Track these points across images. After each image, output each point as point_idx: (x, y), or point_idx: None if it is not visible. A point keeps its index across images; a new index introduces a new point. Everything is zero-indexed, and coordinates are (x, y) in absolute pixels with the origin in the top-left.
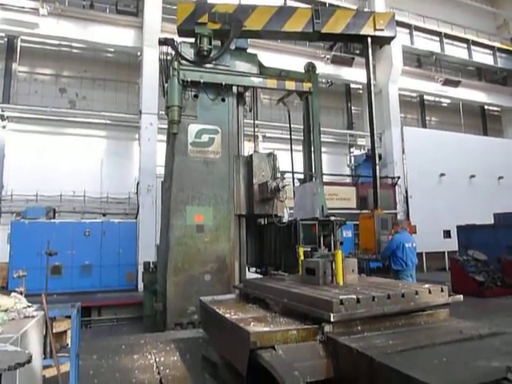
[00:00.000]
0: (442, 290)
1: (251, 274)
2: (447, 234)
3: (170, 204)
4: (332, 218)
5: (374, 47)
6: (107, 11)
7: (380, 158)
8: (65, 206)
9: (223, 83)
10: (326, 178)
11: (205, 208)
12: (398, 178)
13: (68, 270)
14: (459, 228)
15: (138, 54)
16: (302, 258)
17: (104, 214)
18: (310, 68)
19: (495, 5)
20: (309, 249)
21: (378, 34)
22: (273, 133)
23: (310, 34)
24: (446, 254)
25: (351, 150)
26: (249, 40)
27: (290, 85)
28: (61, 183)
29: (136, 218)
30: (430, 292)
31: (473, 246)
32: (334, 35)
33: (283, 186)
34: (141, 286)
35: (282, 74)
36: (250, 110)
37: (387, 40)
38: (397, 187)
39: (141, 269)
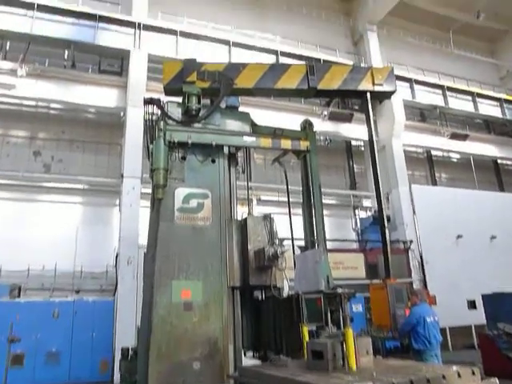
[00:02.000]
0: (473, 373)
1: (248, 361)
2: (472, 304)
3: (153, 278)
4: (339, 290)
5: (374, 102)
6: (89, 71)
7: (388, 220)
8: (32, 282)
9: (213, 143)
10: (329, 245)
11: (193, 282)
12: (411, 241)
13: (31, 358)
14: (485, 297)
15: (121, 114)
16: (307, 338)
17: (77, 291)
18: (307, 125)
19: (496, 56)
20: (314, 327)
21: (377, 88)
22: (268, 195)
23: (305, 91)
24: (473, 328)
25: (356, 212)
26: (240, 98)
27: (286, 144)
28: (29, 256)
29: (114, 295)
30: (459, 376)
31: (502, 317)
32: (331, 91)
33: (282, 252)
34: (117, 376)
35: (276, 133)
36: (243, 172)
37: (387, 95)
38: (410, 252)
39: (118, 356)
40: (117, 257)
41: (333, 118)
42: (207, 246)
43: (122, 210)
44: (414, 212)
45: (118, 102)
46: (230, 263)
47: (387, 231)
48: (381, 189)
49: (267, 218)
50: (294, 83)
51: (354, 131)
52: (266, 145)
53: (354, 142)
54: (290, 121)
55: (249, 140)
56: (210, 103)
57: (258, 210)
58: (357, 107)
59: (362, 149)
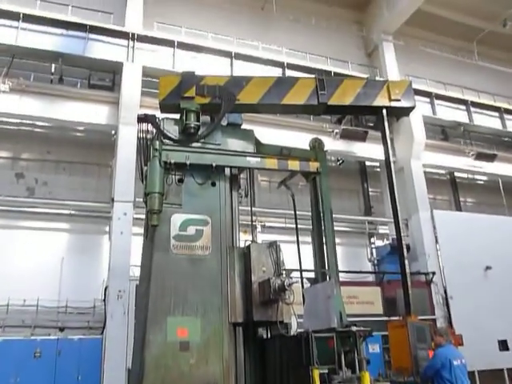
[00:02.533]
0: None
1: None
2: (503, 345)
3: (146, 314)
4: (354, 329)
5: (391, 119)
6: (78, 86)
7: (408, 249)
8: (12, 318)
9: (213, 164)
10: (342, 277)
11: (191, 319)
12: (433, 273)
13: None
14: None
15: (113, 132)
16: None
17: (61, 329)
18: (317, 144)
19: None
20: (326, 371)
21: (394, 104)
22: (274, 221)
23: (314, 107)
24: (506, 371)
25: (372, 240)
26: (244, 114)
27: (294, 165)
28: (8, 289)
29: (102, 333)
30: None
31: None
32: (343, 107)
33: (290, 284)
34: None
35: (283, 153)
36: (246, 195)
37: (405, 111)
38: (432, 286)
39: None
40: (106, 290)
41: (345, 136)
42: (206, 278)
43: (112, 238)
44: (436, 240)
45: (108, 119)
46: (231, 297)
47: (406, 262)
48: (399, 214)
49: (273, 245)
50: (303, 99)
51: (369, 151)
52: (271, 166)
53: (368, 163)
54: (298, 139)
55: (253, 160)
56: (209, 120)
57: (263, 238)
58: (371, 125)
59: (378, 170)
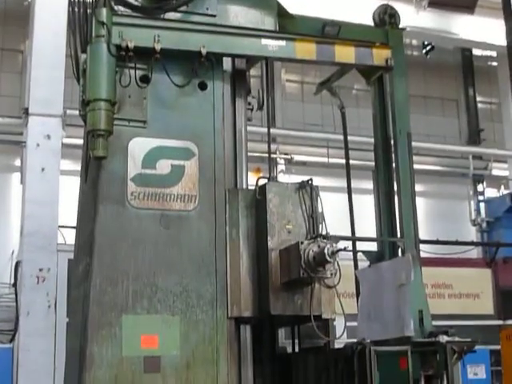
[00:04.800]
0: None
1: None
2: None
3: (87, 311)
4: (443, 339)
5: None
6: None
7: None
8: None
9: (203, 51)
10: (425, 250)
11: (163, 318)
12: None
13: None
14: None
15: None
16: None
17: None
18: (387, 17)
19: None
20: None
21: None
22: (308, 154)
23: None
24: None
25: (479, 187)
26: None
27: (346, 53)
28: None
29: (12, 339)
30: None
31: None
32: None
33: (334, 252)
34: None
35: (326, 32)
36: (261, 108)
37: None
38: None
39: None
40: (17, 268)
41: (438, 3)
42: (189, 248)
43: (26, 179)
44: None
45: None
46: (232, 278)
47: None
48: None
49: (305, 186)
50: None
51: (480, 31)
52: (305, 55)
53: (477, 52)
54: (356, 9)
55: (273, 45)
56: None
57: (289, 180)
58: None
59: (494, 64)
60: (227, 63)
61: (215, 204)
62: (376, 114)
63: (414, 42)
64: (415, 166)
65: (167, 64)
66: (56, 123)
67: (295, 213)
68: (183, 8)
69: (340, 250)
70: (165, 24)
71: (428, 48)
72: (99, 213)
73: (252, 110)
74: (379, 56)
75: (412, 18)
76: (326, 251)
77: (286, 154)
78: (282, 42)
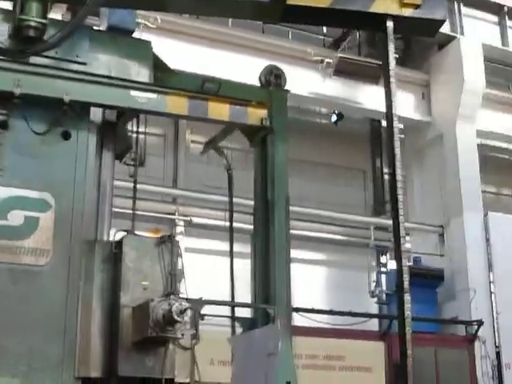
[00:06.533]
0: None
1: None
2: None
3: None
4: None
5: (432, 47)
6: None
7: (441, 277)
8: None
9: (65, 99)
10: (321, 320)
11: (2, 381)
12: (480, 323)
13: None
14: None
15: None
16: None
17: None
18: (273, 78)
19: None
20: None
21: (407, 13)
22: (208, 215)
23: (264, 8)
24: None
25: (382, 258)
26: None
27: (220, 110)
28: None
29: None
30: None
31: None
32: (316, 12)
33: (183, 311)
34: None
35: (206, 88)
36: (140, 164)
37: (428, 27)
38: (477, 344)
39: None
40: None
41: (344, 72)
42: (39, 306)
43: None
44: (489, 264)
45: None
46: (83, 336)
47: (438, 297)
48: (398, 191)
49: (166, 241)
50: None
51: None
52: (177, 109)
53: (385, 123)
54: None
55: (143, 97)
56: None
57: (189, 244)
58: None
59: (402, 136)
60: (96, 114)
61: (70, 259)
62: (257, 176)
63: (324, 110)
64: (319, 235)
65: (29, 110)
66: None
67: (153, 269)
68: (52, 54)
69: (188, 308)
70: (27, 68)
71: (336, 117)
72: None
73: (136, 166)
74: (254, 115)
75: (318, 84)
76: (173, 309)
77: (185, 216)
78: (153, 95)
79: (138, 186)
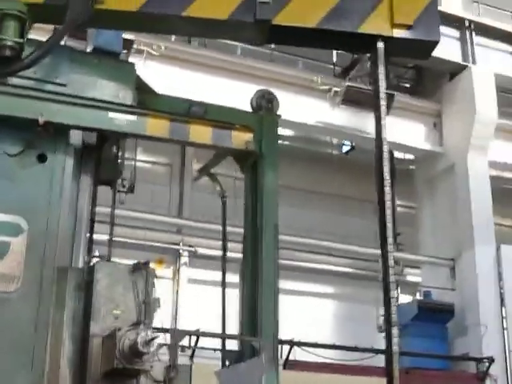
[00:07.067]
0: None
1: None
2: None
3: None
4: None
5: (438, 77)
6: None
7: (451, 311)
8: None
9: (40, 120)
10: (322, 355)
11: None
12: (491, 360)
13: None
14: None
15: None
16: None
17: None
18: (264, 102)
19: None
20: None
21: (398, 34)
22: (214, 246)
23: (248, 28)
24: None
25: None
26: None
27: (202, 134)
28: None
29: None
30: None
31: None
32: (302, 33)
33: (150, 340)
34: None
35: (192, 112)
36: (132, 191)
37: (421, 49)
38: (488, 382)
39: None
40: None
41: (353, 101)
42: (6, 335)
43: None
44: (501, 299)
45: None
46: (51, 367)
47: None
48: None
49: (140, 269)
50: (225, 10)
51: (399, 131)
52: (157, 132)
53: (399, 155)
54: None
55: (121, 119)
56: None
57: (191, 274)
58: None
59: (412, 168)
60: (75, 136)
61: (41, 286)
62: (247, 202)
63: (332, 139)
64: (327, 267)
65: (3, 131)
66: None
67: (125, 297)
68: (31, 74)
69: (155, 337)
70: (1, 88)
71: (348, 147)
72: None
73: (126, 192)
74: (239, 139)
75: (327, 114)
76: (139, 340)
77: (190, 246)
78: (133, 117)
79: (143, 215)
